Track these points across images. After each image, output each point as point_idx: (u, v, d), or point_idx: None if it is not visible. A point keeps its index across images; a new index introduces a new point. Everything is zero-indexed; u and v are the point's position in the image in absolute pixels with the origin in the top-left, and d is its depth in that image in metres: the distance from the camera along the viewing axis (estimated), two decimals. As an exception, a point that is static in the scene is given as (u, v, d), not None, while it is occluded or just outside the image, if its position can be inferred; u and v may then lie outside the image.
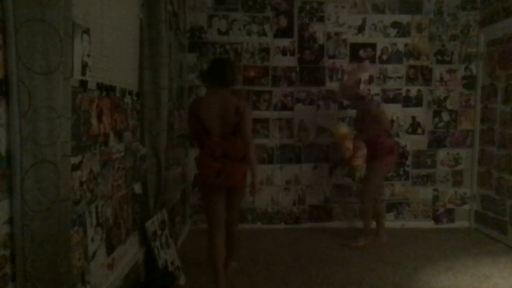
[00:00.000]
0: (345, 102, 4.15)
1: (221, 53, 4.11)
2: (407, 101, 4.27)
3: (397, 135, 4.25)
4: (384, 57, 4.21)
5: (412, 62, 4.24)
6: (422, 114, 4.28)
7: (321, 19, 4.16)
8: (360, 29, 4.19)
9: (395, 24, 4.20)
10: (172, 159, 3.40)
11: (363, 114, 3.62)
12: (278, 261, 3.29)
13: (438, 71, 4.26)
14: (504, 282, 2.91)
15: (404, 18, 4.20)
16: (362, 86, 3.61)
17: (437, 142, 4.31)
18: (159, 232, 2.64)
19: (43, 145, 1.19)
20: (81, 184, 1.61)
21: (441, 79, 4.27)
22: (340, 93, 3.90)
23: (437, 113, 4.29)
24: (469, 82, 4.27)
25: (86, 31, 1.65)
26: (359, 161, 3.62)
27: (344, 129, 3.64)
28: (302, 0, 4.13)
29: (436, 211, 4.36)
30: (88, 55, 1.67)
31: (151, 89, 2.54)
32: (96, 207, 1.77)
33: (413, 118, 4.27)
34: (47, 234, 1.23)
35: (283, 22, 4.15)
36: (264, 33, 4.14)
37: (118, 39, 2.08)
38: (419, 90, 4.26)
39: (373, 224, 3.76)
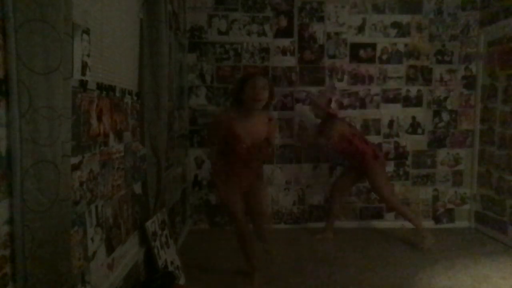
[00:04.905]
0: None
1: (221, 53, 4.11)
2: (407, 101, 4.27)
3: (397, 135, 4.26)
4: (384, 57, 4.21)
5: (412, 62, 4.24)
6: (422, 114, 4.28)
7: (321, 19, 4.16)
8: (360, 29, 4.19)
9: (395, 24, 4.20)
10: (172, 159, 3.40)
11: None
12: (278, 261, 3.29)
13: (438, 71, 4.26)
14: (504, 282, 2.91)
15: (404, 18, 4.20)
16: (332, 105, 3.78)
17: (437, 142, 4.31)
18: (159, 232, 2.64)
19: (43, 145, 1.19)
20: (81, 184, 1.61)
21: (441, 79, 4.27)
22: (313, 111, 3.89)
23: (437, 113, 4.29)
24: (469, 82, 4.27)
25: (86, 31, 1.65)
26: None
27: None
28: (302, 0, 4.13)
29: (436, 211, 4.36)
30: (88, 55, 1.67)
31: (151, 89, 2.54)
32: (96, 207, 1.77)
33: (413, 118, 4.27)
34: (47, 234, 1.23)
35: (283, 22, 4.15)
36: (264, 33, 4.14)
37: (118, 39, 2.08)
38: (419, 90, 4.27)
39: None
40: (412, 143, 4.29)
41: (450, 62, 4.25)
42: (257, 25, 4.13)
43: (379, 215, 4.34)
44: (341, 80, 4.18)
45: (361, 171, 3.72)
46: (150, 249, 2.46)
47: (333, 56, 4.19)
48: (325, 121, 3.76)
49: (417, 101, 4.27)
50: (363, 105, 4.20)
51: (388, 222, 4.30)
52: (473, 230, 4.22)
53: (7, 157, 1.14)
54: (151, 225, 2.54)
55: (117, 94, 2.06)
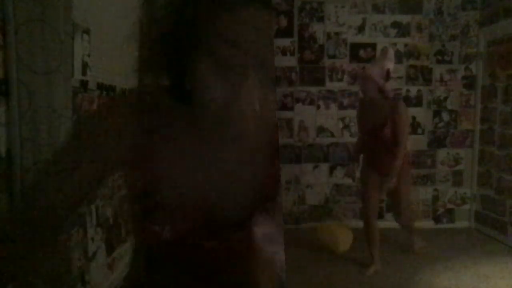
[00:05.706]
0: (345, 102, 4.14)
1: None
2: (407, 101, 4.25)
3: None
4: (384, 57, 4.20)
5: (412, 62, 4.24)
6: (422, 114, 4.28)
7: (321, 19, 4.16)
8: (360, 29, 4.18)
9: (395, 24, 4.20)
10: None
11: (384, 120, 2.87)
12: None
13: (438, 71, 4.26)
14: (504, 282, 2.91)
15: (404, 18, 4.20)
16: (389, 80, 2.90)
17: (437, 142, 4.31)
18: (159, 232, 2.64)
19: (43, 145, 1.19)
20: (81, 184, 1.61)
21: (441, 79, 4.27)
22: (362, 87, 3.02)
23: (437, 113, 4.29)
24: (469, 82, 4.27)
25: (86, 31, 1.65)
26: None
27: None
28: (302, 0, 4.13)
29: (436, 211, 4.36)
30: (88, 55, 1.67)
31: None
32: (96, 207, 1.77)
33: (413, 118, 4.27)
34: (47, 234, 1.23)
35: (283, 22, 4.14)
36: (264, 33, 4.13)
37: (118, 39, 2.08)
38: (419, 90, 4.26)
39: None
40: (412, 143, 4.28)
41: (450, 62, 4.25)
42: (257, 25, 4.12)
43: (379, 215, 4.32)
44: (341, 80, 4.18)
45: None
46: (150, 249, 2.46)
47: (333, 56, 4.19)
48: (375, 102, 2.90)
49: (417, 101, 4.27)
50: (363, 105, 4.20)
51: (388, 222, 4.28)
52: (473, 230, 4.22)
53: (7, 157, 1.14)
54: (151, 225, 2.53)
55: (117, 94, 2.06)
